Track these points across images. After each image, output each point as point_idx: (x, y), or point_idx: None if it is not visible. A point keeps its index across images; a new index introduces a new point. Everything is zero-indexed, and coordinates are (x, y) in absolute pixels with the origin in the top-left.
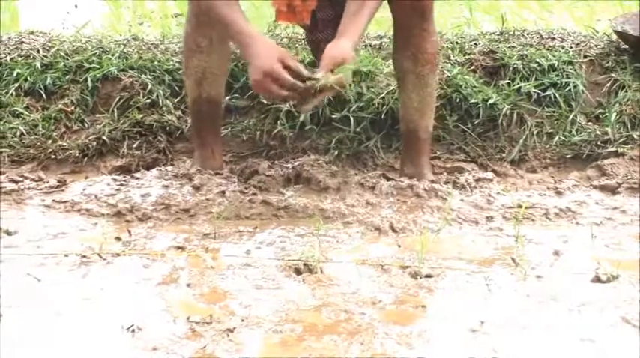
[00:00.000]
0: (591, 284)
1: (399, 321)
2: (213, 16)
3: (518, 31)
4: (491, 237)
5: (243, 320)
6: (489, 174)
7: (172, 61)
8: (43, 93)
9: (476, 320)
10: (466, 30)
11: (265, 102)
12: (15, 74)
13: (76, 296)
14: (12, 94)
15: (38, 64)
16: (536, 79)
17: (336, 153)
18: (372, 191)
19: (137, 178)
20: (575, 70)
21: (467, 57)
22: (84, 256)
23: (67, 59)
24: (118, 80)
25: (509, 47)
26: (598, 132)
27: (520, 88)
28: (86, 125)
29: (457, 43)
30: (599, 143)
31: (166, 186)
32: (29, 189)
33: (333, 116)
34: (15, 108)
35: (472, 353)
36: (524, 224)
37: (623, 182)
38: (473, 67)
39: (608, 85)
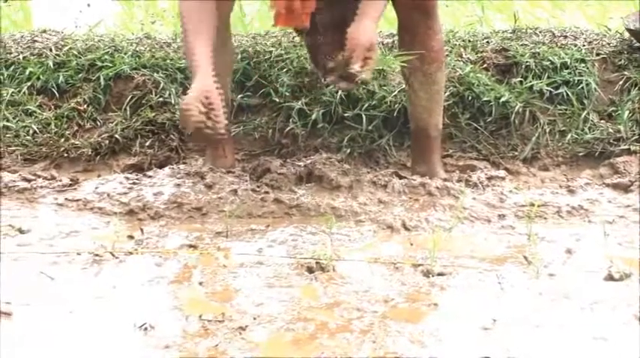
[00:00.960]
0: (604, 282)
1: (411, 320)
2: (181, 19)
3: (531, 28)
4: (503, 235)
5: (255, 319)
6: (502, 172)
7: (185, 59)
8: (55, 91)
9: (488, 318)
10: (478, 28)
11: (278, 100)
12: (27, 73)
13: (88, 294)
14: (24, 93)
15: (51, 63)
16: (548, 77)
17: (348, 151)
18: (384, 189)
19: (149, 177)
20: (587, 68)
21: (479, 55)
22: (96, 254)
23: (80, 58)
24: (131, 79)
25: (521, 45)
26: (610, 130)
27: (532, 85)
28: (99, 123)
29: (469, 41)
30: (611, 141)
31: (179, 185)
32: (42, 187)
33: (345, 114)
34: (27, 106)
35: (485, 351)
36: (536, 222)
37: (636, 180)
38: (485, 65)
39: (620, 82)
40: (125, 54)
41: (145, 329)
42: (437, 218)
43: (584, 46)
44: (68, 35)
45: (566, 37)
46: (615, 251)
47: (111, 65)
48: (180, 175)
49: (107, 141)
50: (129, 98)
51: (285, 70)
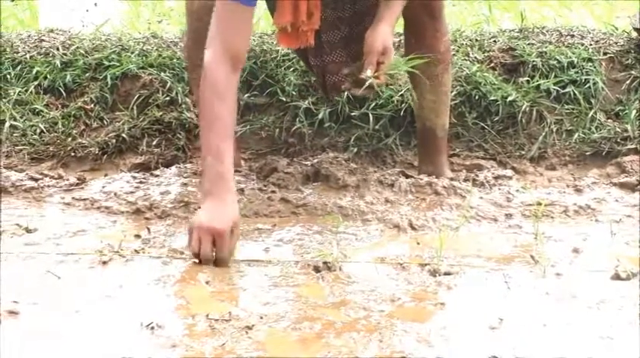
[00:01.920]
0: (611, 281)
1: (417, 319)
2: (200, 113)
3: (538, 28)
4: (510, 235)
5: (261, 318)
6: (508, 172)
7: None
8: (62, 91)
9: (495, 317)
10: (485, 27)
11: (284, 99)
12: (35, 72)
13: (95, 293)
14: (32, 92)
15: (58, 62)
16: (555, 76)
17: (355, 150)
18: (391, 188)
19: (156, 176)
20: (594, 67)
21: (486, 54)
22: (103, 253)
23: (87, 57)
24: (138, 78)
25: (528, 44)
26: (618, 130)
27: (539, 85)
28: (105, 123)
29: (476, 40)
30: (618, 140)
31: (185, 184)
32: (49, 186)
33: (352, 113)
34: (35, 105)
35: (491, 350)
36: (543, 221)
37: None
38: (492, 65)
39: (627, 82)
40: (132, 53)
41: (152, 328)
42: (444, 217)
43: (591, 45)
44: (75, 34)
45: (573, 36)
46: (622, 250)
47: (118, 64)
48: (187, 174)
49: (114, 141)
50: (136, 97)
51: (291, 69)
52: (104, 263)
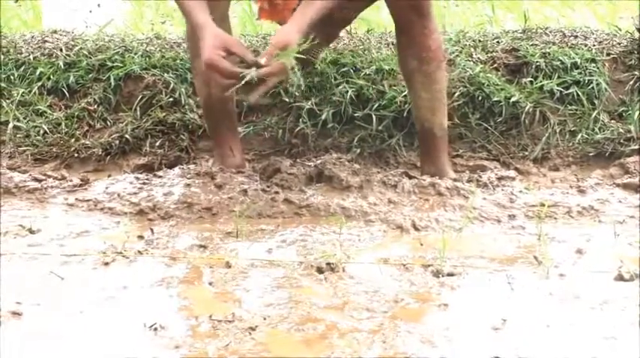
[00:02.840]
0: (614, 282)
1: (421, 320)
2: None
3: (541, 28)
4: (513, 236)
5: (265, 319)
6: (512, 173)
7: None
8: (65, 91)
9: (498, 318)
10: (488, 28)
11: (288, 100)
12: (38, 73)
13: (98, 294)
14: (35, 93)
15: (61, 63)
16: (558, 77)
17: (358, 151)
18: (394, 189)
19: (159, 177)
20: (598, 68)
21: (489, 55)
22: (106, 254)
23: (90, 58)
24: (141, 79)
25: (531, 45)
26: (621, 130)
27: (542, 85)
28: (109, 123)
29: (479, 41)
30: (622, 141)
31: (189, 185)
32: (52, 187)
33: (355, 114)
34: (38, 106)
35: (495, 351)
36: (546, 222)
37: None
38: (495, 65)
39: (631, 82)
40: (135, 54)
41: (155, 329)
42: (447, 218)
43: (594, 45)
44: (78, 35)
45: (576, 36)
46: (625, 251)
47: (121, 65)
48: (191, 175)
49: (117, 142)
50: (139, 98)
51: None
52: (107, 264)
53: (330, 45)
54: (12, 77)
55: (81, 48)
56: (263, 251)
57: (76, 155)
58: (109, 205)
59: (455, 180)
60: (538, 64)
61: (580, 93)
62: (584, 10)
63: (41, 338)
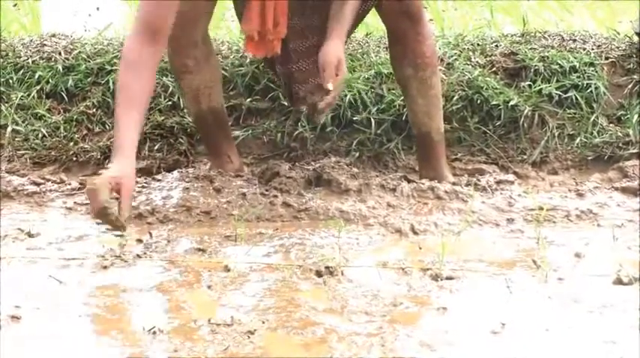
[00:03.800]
0: (613, 286)
1: (419, 324)
2: (117, 86)
3: (540, 32)
4: (512, 239)
5: (263, 323)
6: (510, 176)
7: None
8: (64, 95)
9: (497, 322)
10: (487, 31)
11: (286, 104)
12: (37, 76)
13: (97, 298)
14: (34, 97)
15: (60, 67)
16: (557, 81)
17: (357, 154)
18: (392, 193)
19: (158, 180)
20: (596, 72)
21: (488, 58)
22: (105, 258)
23: (89, 61)
24: None
25: (530, 49)
26: (620, 134)
27: (541, 89)
28: (107, 127)
29: (478, 44)
30: (620, 145)
31: (187, 188)
32: (51, 191)
33: (354, 118)
34: (37, 110)
35: (494, 355)
36: (545, 226)
37: None
38: (494, 69)
39: (629, 86)
40: None
41: (154, 333)
42: (446, 222)
43: (593, 49)
44: (77, 39)
45: (575, 40)
46: (624, 255)
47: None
48: (189, 179)
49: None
50: None
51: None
52: (106, 267)
53: None
54: (11, 81)
55: (80, 51)
56: (262, 254)
57: (74, 159)
58: None
59: (454, 183)
60: (537, 67)
61: (579, 97)
62: (583, 13)
63: (40, 342)
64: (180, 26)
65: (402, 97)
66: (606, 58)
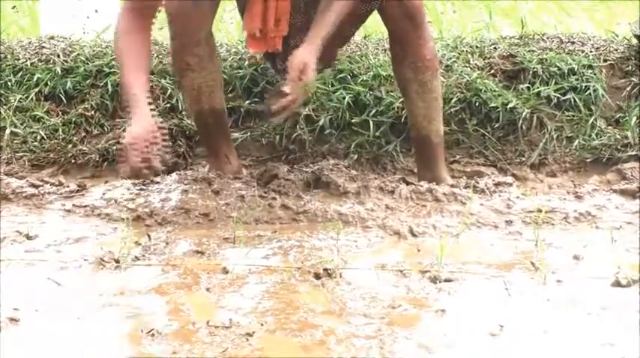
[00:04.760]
0: (611, 288)
1: (418, 326)
2: (116, 56)
3: (538, 34)
4: (510, 241)
5: (262, 325)
6: (509, 178)
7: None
8: (63, 97)
9: (496, 324)
10: (485, 34)
11: None
12: (35, 79)
13: (96, 300)
14: (32, 99)
15: (58, 69)
16: (556, 83)
17: (356, 157)
18: (391, 195)
19: (157, 183)
20: (595, 74)
21: (486, 61)
22: (104, 260)
23: (87, 64)
24: None
25: (528, 51)
26: (618, 136)
27: (540, 91)
28: (106, 129)
29: (477, 47)
30: (619, 147)
31: (186, 191)
32: (49, 193)
33: (353, 120)
34: (35, 112)
35: (492, 357)
36: (543, 228)
37: None
38: (492, 71)
39: (628, 88)
40: None
41: (153, 335)
42: (444, 224)
43: (591, 52)
44: (76, 41)
45: (573, 43)
46: (623, 257)
47: (118, 71)
48: (188, 181)
49: (115, 147)
50: None
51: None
52: (104, 269)
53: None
54: (9, 83)
55: (78, 54)
56: (260, 257)
57: (73, 161)
58: (106, 211)
59: (452, 186)
60: (535, 70)
61: (577, 100)
62: (582, 16)
63: (39, 345)
64: (184, 24)
65: (401, 100)
66: (605, 61)
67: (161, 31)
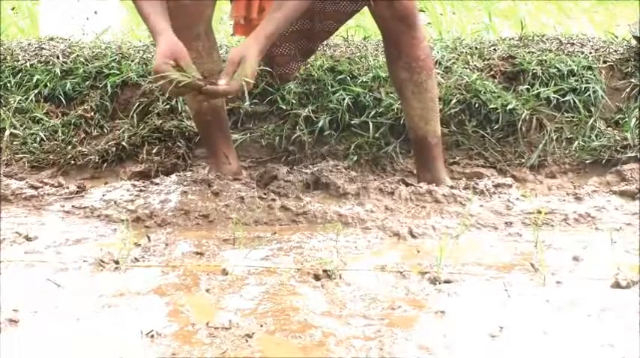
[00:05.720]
0: (611, 289)
1: (418, 327)
2: (136, 7)
3: (538, 36)
4: (510, 243)
5: (262, 326)
6: (508, 180)
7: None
8: (62, 99)
9: (495, 325)
10: (485, 35)
11: (284, 107)
12: (35, 80)
13: (95, 301)
14: (32, 100)
15: (58, 70)
16: (555, 85)
17: (355, 158)
18: (390, 196)
19: (156, 184)
20: (594, 76)
21: (486, 62)
22: (103, 262)
23: (87, 65)
24: (138, 86)
25: (528, 52)
26: (617, 138)
27: (539, 93)
28: (105, 131)
29: (476, 48)
30: (618, 148)
31: (185, 192)
32: (49, 194)
33: (352, 121)
34: (35, 114)
35: None
36: (543, 229)
37: None
38: (492, 73)
39: (627, 90)
40: (132, 61)
41: (152, 336)
42: (444, 225)
43: (590, 53)
44: (75, 43)
45: (573, 44)
46: (622, 258)
47: (118, 72)
48: (187, 182)
49: (114, 149)
50: (136, 105)
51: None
52: (104, 271)
53: (309, 60)
54: (9, 84)
55: (78, 55)
56: (260, 258)
57: (72, 162)
58: (105, 212)
59: (452, 187)
60: (535, 71)
61: (577, 101)
62: (581, 17)
63: (38, 346)
64: (184, 18)
65: (400, 101)
66: (604, 62)
67: None
